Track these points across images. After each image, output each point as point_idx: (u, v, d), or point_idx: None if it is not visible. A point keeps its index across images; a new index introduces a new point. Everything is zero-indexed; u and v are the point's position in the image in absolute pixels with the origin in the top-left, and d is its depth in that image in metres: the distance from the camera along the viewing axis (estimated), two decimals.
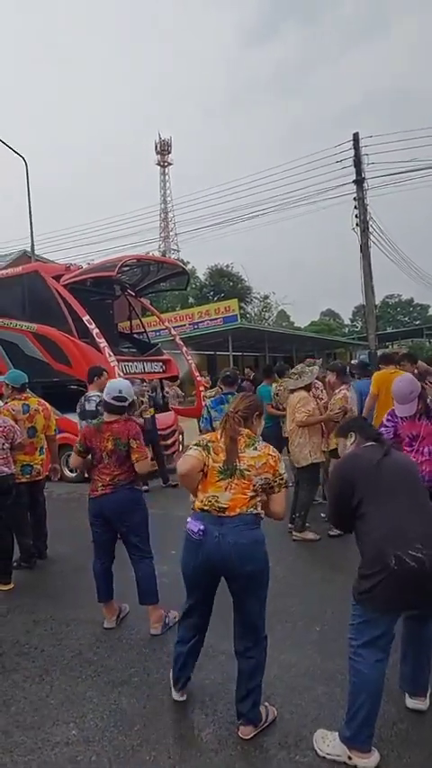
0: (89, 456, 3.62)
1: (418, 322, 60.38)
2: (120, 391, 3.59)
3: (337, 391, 5.44)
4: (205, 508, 2.47)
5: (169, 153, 75.84)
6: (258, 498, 2.49)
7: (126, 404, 3.62)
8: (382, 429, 3.62)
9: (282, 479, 2.52)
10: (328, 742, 2.33)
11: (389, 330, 51.39)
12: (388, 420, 3.72)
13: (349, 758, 2.24)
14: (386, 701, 2.45)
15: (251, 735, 2.46)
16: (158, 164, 75.49)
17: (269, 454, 2.52)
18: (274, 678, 2.92)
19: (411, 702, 2.59)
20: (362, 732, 2.23)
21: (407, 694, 2.62)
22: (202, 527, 2.44)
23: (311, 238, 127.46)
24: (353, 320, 69.20)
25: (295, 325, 53.52)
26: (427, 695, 2.60)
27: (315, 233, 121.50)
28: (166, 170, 75.13)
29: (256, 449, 2.52)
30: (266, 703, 2.62)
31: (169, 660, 3.16)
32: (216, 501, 2.44)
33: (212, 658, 3.05)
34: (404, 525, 2.20)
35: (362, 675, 2.24)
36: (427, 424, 3.52)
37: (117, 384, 3.70)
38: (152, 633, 3.47)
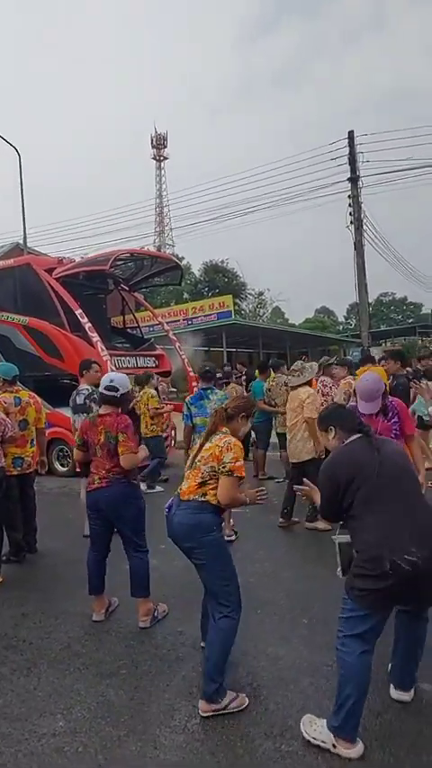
0: (88, 450, 3.65)
1: (411, 320, 60.54)
2: (111, 381, 3.61)
3: (342, 382, 5.54)
4: (177, 491, 2.83)
5: (165, 147, 75.51)
6: (209, 487, 2.71)
7: (117, 394, 3.61)
8: None
9: (225, 468, 2.66)
10: (315, 727, 2.37)
11: (382, 328, 51.57)
12: None
13: (333, 746, 2.27)
14: (372, 693, 2.47)
15: (206, 712, 2.56)
16: (154, 158, 75.18)
17: (218, 445, 2.71)
18: (261, 670, 2.95)
19: (396, 694, 2.62)
20: (348, 722, 2.26)
21: (392, 686, 2.64)
22: (169, 505, 2.84)
23: (308, 235, 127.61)
24: (347, 318, 69.33)
25: (290, 321, 53.59)
26: (413, 689, 2.63)
27: (311, 230, 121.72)
28: (162, 164, 74.82)
29: (211, 441, 2.76)
30: (238, 692, 2.67)
31: (157, 652, 3.20)
32: (181, 487, 2.81)
33: (200, 650, 3.07)
34: (399, 529, 2.21)
35: (348, 666, 2.27)
36: (383, 421, 3.64)
37: (110, 375, 3.75)
38: (140, 626, 3.48)
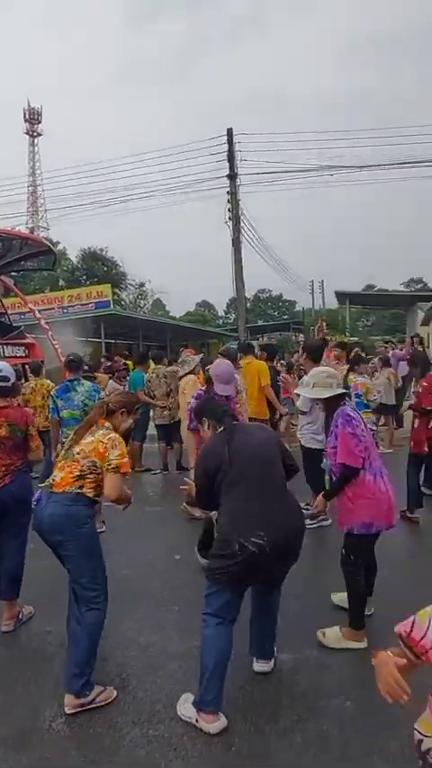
0: None
1: (286, 317, 63.90)
2: (0, 370, 3.40)
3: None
4: (47, 483, 2.74)
5: (39, 123, 70.88)
6: (87, 480, 2.67)
7: (9, 383, 3.43)
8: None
9: (110, 465, 2.65)
10: (186, 705, 2.45)
11: (260, 323, 53.79)
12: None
13: (196, 720, 2.35)
14: (238, 668, 2.61)
15: (74, 708, 2.51)
16: (27, 133, 70.16)
17: (101, 441, 2.69)
18: (132, 659, 2.96)
19: (258, 666, 2.77)
20: (208, 694, 2.36)
21: (254, 659, 2.79)
22: (38, 497, 2.76)
23: (190, 228, 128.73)
24: (227, 312, 71.33)
25: (171, 314, 53.81)
26: (272, 660, 2.80)
27: (193, 223, 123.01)
28: (36, 141, 70.24)
29: (93, 435, 2.73)
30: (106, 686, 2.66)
31: (21, 654, 3.06)
32: (53, 478, 2.72)
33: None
34: (249, 514, 2.39)
35: (206, 638, 2.41)
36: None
37: None
38: (3, 630, 3.30)
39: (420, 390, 5.25)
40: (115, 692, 2.65)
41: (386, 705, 1.37)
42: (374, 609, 3.22)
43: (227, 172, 17.68)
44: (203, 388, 4.38)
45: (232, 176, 17.58)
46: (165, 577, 4.08)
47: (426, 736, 1.30)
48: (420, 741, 1.31)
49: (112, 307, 21.82)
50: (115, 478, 2.66)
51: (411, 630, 1.32)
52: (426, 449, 5.12)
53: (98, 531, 2.94)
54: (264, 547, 2.31)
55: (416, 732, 1.32)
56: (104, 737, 2.37)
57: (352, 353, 7.68)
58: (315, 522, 4.97)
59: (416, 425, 5.23)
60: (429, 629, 1.29)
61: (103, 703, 2.57)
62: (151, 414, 7.73)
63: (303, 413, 5.08)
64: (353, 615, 3.04)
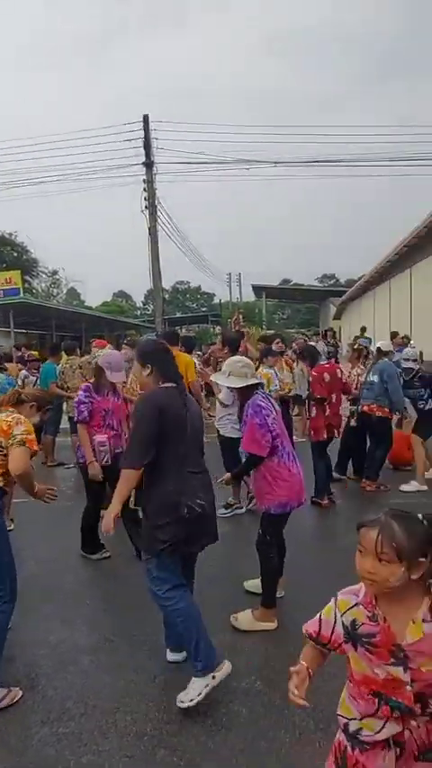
0: None
1: (204, 309, 64.36)
2: None
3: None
4: None
5: None
6: None
7: None
8: (82, 407, 4.02)
9: (16, 439, 2.60)
10: (189, 695, 2.39)
11: (178, 315, 53.75)
12: (86, 396, 4.08)
13: (213, 677, 2.43)
14: (150, 658, 2.60)
15: None
16: None
17: (5, 420, 2.65)
18: (41, 658, 2.88)
19: (172, 656, 2.79)
20: (210, 655, 2.45)
21: (168, 650, 2.81)
22: None
23: (107, 216, 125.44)
24: (145, 303, 70.56)
25: (86, 304, 52.29)
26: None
27: (111, 211, 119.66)
28: None
29: None
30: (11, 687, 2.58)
31: None
32: None
33: None
34: (191, 478, 2.51)
35: (184, 611, 2.47)
36: (114, 399, 4.19)
37: None
38: None
39: (311, 380, 5.50)
40: (21, 693, 2.56)
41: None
42: (284, 591, 3.35)
43: (143, 159, 17.40)
44: (90, 380, 4.36)
45: (149, 164, 17.34)
46: (77, 572, 3.99)
47: (350, 719, 1.38)
48: (346, 725, 1.39)
49: (21, 294, 20.80)
50: (20, 451, 2.58)
51: (320, 629, 1.40)
52: (324, 435, 5.37)
53: (9, 529, 2.83)
54: (204, 506, 2.48)
55: (340, 718, 1.42)
56: (11, 738, 2.29)
57: (273, 345, 7.84)
58: (229, 510, 5.08)
59: (313, 414, 5.47)
60: (337, 624, 1.37)
61: (7, 705, 2.47)
62: (64, 407, 7.47)
63: (225, 405, 5.16)
64: (266, 594, 3.15)
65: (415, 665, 1.27)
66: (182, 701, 2.39)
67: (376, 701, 1.32)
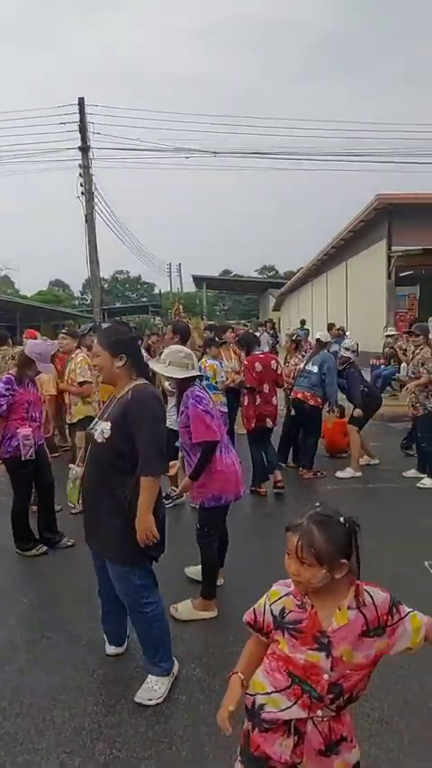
0: None
1: (144, 299, 63.55)
2: None
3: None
4: None
5: None
6: None
7: None
8: (2, 400, 3.89)
9: None
10: (158, 693, 2.42)
11: (117, 305, 52.79)
12: (6, 389, 3.93)
13: (173, 676, 2.51)
14: (88, 652, 2.56)
15: None
16: None
17: None
18: None
19: (111, 649, 2.76)
20: (170, 654, 2.52)
21: (108, 644, 2.77)
22: None
23: (44, 202, 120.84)
24: (83, 293, 68.71)
25: (21, 293, 50.28)
26: (126, 641, 2.80)
27: (48, 197, 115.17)
28: None
29: None
30: None
31: None
32: None
33: None
34: None
35: (161, 614, 2.49)
36: (33, 390, 4.11)
37: None
38: None
39: (244, 369, 5.56)
40: None
41: (228, 666, 1.46)
42: (223, 579, 3.39)
43: (78, 144, 16.86)
44: (11, 372, 4.18)
45: (84, 149, 16.81)
46: (9, 569, 3.86)
47: (256, 694, 1.41)
48: (253, 702, 1.42)
49: None
50: None
51: (255, 617, 1.45)
52: (253, 425, 5.42)
53: None
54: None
55: (247, 697, 1.44)
56: None
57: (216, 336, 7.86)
58: (170, 501, 5.07)
59: (245, 403, 5.54)
60: (266, 614, 1.42)
61: None
62: None
63: (172, 394, 5.12)
64: (206, 586, 3.16)
65: (337, 653, 1.31)
66: (150, 699, 2.41)
67: (290, 679, 1.36)
